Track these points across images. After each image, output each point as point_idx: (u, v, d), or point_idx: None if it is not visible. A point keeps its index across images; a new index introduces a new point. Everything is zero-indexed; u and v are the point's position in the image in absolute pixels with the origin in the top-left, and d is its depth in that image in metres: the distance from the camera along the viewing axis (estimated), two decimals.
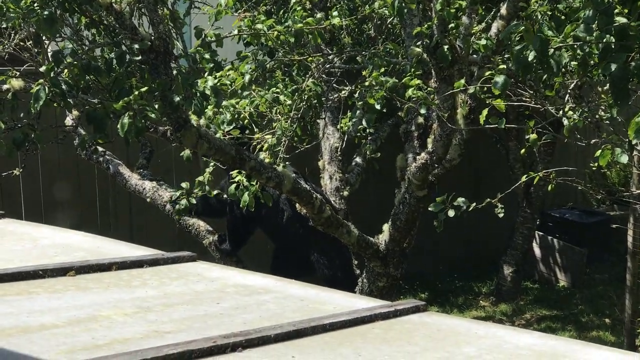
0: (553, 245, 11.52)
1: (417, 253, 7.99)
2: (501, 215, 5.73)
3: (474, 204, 5.55)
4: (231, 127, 5.90)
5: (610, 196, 11.99)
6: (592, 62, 4.44)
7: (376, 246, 6.78)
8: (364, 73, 6.53)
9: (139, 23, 5.15)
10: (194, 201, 6.93)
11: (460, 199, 5.55)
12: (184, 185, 7.11)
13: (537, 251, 11.62)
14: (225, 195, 6.87)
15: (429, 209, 5.71)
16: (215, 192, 6.88)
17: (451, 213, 5.56)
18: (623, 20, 4.20)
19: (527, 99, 5.61)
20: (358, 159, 8.17)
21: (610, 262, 11.72)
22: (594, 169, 6.17)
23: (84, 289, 3.00)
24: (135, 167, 7.91)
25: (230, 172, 6.02)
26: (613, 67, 4.08)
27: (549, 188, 5.94)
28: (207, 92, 5.25)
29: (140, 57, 4.98)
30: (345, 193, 7.70)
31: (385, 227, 6.84)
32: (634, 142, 3.83)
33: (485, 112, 4.93)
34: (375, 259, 6.82)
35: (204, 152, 5.51)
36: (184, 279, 3.28)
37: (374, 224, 7.17)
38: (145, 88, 4.83)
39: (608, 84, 4.53)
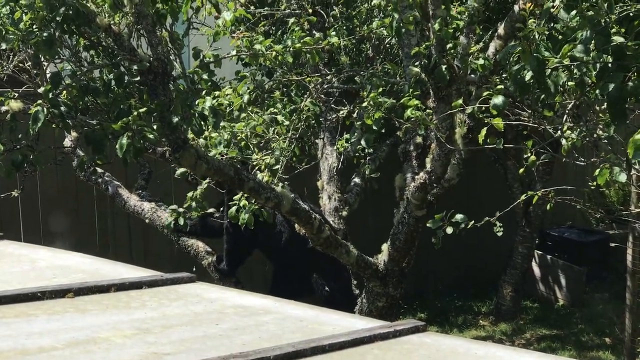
0: (552, 264, 11.51)
1: (416, 273, 7.99)
2: (500, 234, 5.73)
3: (472, 221, 5.55)
4: (227, 148, 5.91)
5: (609, 215, 11.99)
6: (589, 81, 4.45)
7: (375, 266, 6.77)
8: (362, 93, 6.54)
9: (138, 44, 5.16)
10: (181, 220, 6.89)
11: (459, 216, 5.55)
12: (175, 207, 7.08)
13: (536, 270, 11.60)
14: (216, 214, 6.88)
15: (427, 225, 5.71)
16: (210, 210, 6.86)
17: (449, 230, 5.57)
18: (620, 39, 4.21)
19: (525, 119, 5.62)
20: (357, 179, 8.18)
21: (609, 280, 11.69)
22: (592, 187, 6.18)
23: (83, 311, 2.99)
24: (134, 188, 7.92)
25: (231, 194, 6.04)
26: (610, 87, 4.09)
27: (548, 207, 5.95)
28: (206, 112, 5.26)
29: (138, 78, 4.99)
30: (344, 213, 7.70)
31: (384, 247, 6.83)
32: (632, 160, 3.84)
33: (483, 131, 4.93)
34: (375, 279, 6.81)
35: (202, 172, 5.51)
36: (182, 300, 3.27)
37: (373, 243, 7.17)
38: (144, 109, 4.84)
39: (605, 104, 4.54)
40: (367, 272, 6.76)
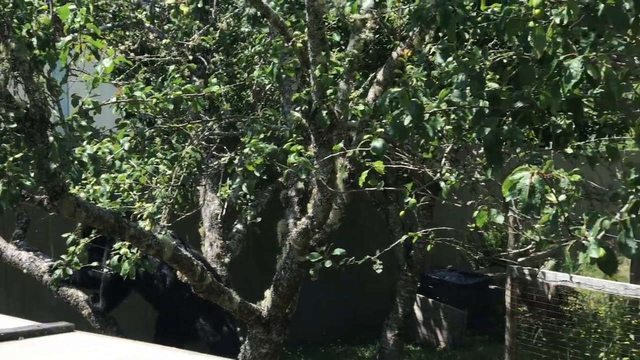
0: (434, 308, 11.65)
1: (300, 319, 7.98)
2: (379, 271, 5.81)
3: (352, 257, 5.61)
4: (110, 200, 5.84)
5: (487, 257, 12.22)
6: (466, 126, 4.55)
7: (258, 312, 6.74)
8: (243, 139, 6.55)
9: (15, 91, 5.07)
10: (70, 272, 6.72)
11: (338, 250, 5.60)
12: (63, 256, 6.93)
13: (418, 314, 11.73)
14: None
15: (307, 258, 5.75)
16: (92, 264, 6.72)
17: (328, 263, 5.62)
18: (494, 85, 4.33)
19: (406, 162, 5.71)
20: (239, 225, 8.16)
21: (489, 322, 11.90)
22: (471, 229, 6.30)
23: None
24: (11, 238, 7.74)
25: (111, 243, 5.96)
26: (486, 131, 4.19)
27: (428, 248, 6.05)
28: (85, 159, 5.18)
29: (15, 125, 4.90)
30: (227, 260, 7.67)
31: (267, 293, 6.81)
32: (507, 199, 3.92)
33: (364, 174, 4.99)
34: (258, 325, 6.78)
35: (82, 220, 5.42)
36: (60, 350, 3.20)
37: (256, 290, 7.14)
38: (20, 154, 4.75)
39: (482, 147, 4.64)
40: (251, 318, 6.73)
